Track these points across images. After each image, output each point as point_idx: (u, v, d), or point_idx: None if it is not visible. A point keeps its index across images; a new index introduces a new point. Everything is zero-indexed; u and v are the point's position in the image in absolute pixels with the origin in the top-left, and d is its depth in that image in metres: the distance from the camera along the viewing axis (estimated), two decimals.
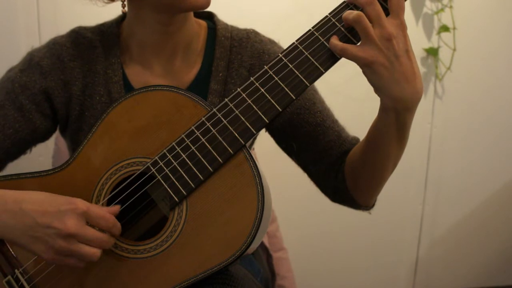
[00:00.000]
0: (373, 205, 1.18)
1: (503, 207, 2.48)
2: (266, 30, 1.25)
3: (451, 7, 2.16)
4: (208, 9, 1.10)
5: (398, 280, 2.49)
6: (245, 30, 1.22)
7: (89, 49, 1.16)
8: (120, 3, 1.14)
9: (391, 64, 0.90)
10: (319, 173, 1.18)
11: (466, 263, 2.53)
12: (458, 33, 2.19)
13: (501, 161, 2.43)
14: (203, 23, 1.21)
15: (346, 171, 1.13)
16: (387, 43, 0.89)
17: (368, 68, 0.92)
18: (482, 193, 2.46)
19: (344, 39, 0.94)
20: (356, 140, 1.17)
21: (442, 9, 2.17)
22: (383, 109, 0.98)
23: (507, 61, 2.33)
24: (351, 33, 0.94)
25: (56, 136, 1.72)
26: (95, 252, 0.90)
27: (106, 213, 0.91)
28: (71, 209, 0.89)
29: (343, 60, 0.95)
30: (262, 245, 1.52)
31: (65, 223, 0.87)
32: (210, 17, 1.23)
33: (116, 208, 0.94)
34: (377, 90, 0.95)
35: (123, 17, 1.20)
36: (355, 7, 0.94)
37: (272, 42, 1.22)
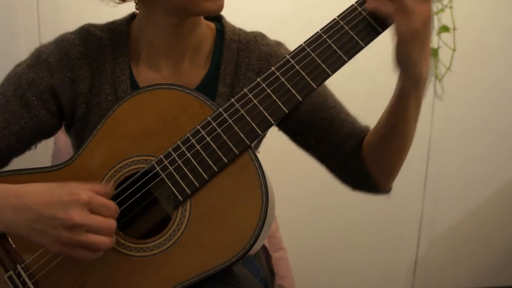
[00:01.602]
0: (391, 188, 1.22)
1: (503, 206, 2.49)
2: (265, 31, 1.24)
3: (451, 7, 2.16)
4: None
5: (397, 280, 2.50)
6: (253, 33, 1.22)
7: (98, 47, 1.16)
8: (128, 3, 1.13)
9: (425, 41, 0.93)
10: (337, 165, 1.20)
11: (465, 262, 2.54)
12: (458, 34, 2.20)
13: (501, 161, 2.43)
14: (211, 25, 1.21)
15: (366, 157, 1.15)
16: (426, 21, 0.92)
17: (408, 41, 0.93)
18: (482, 192, 2.47)
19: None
20: (368, 128, 1.20)
21: (442, 10, 2.17)
22: (404, 89, 1.00)
23: (507, 61, 2.33)
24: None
25: (56, 135, 1.72)
26: (105, 240, 0.89)
27: (108, 201, 0.91)
28: (74, 200, 0.88)
29: None
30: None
31: (69, 214, 0.87)
32: (218, 19, 1.23)
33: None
34: (408, 66, 0.97)
35: (133, 16, 1.19)
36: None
37: (279, 44, 1.22)
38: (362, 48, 0.94)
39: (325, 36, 0.95)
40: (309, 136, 1.19)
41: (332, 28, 0.95)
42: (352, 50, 0.94)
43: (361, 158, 1.16)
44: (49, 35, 1.20)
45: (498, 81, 2.34)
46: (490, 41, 2.29)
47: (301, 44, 0.96)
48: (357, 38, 0.94)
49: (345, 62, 0.94)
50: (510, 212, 2.51)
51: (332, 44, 0.94)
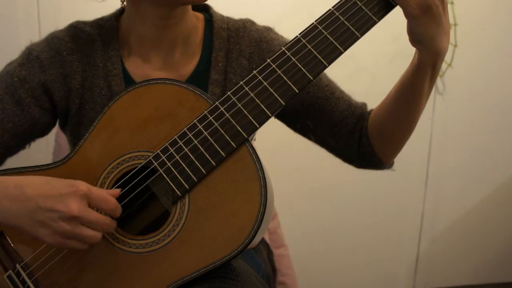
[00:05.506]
0: (393, 163, 1.22)
1: (504, 203, 2.49)
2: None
3: (452, 3, 2.16)
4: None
5: (398, 277, 2.50)
6: (241, 20, 1.23)
7: (88, 42, 1.16)
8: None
9: (441, 14, 0.95)
10: (340, 145, 1.20)
11: (466, 259, 2.54)
12: (459, 29, 2.19)
13: (502, 157, 2.43)
14: (200, 15, 1.22)
15: (372, 134, 1.15)
16: None
17: (418, 17, 0.93)
18: (483, 189, 2.47)
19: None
20: (364, 104, 1.20)
21: None
22: (422, 63, 1.00)
23: (507, 57, 2.33)
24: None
25: (57, 132, 1.72)
26: (96, 234, 0.90)
27: (108, 196, 0.92)
28: (73, 191, 0.88)
29: (344, 55, 0.95)
30: (263, 241, 1.52)
31: (68, 206, 0.87)
32: (206, 10, 1.24)
33: (116, 191, 0.94)
34: (424, 42, 0.97)
35: (121, 11, 1.20)
36: None
37: (268, 29, 1.24)
38: (358, 38, 0.94)
39: (320, 27, 0.94)
40: (306, 119, 1.19)
41: (327, 19, 0.95)
42: (349, 40, 0.94)
43: (366, 135, 1.16)
44: (49, 31, 1.20)
45: (499, 77, 2.34)
46: (491, 37, 2.29)
47: (297, 36, 0.95)
48: (352, 28, 0.94)
49: (341, 52, 0.94)
50: (511, 209, 2.50)
51: (328, 36, 0.94)
